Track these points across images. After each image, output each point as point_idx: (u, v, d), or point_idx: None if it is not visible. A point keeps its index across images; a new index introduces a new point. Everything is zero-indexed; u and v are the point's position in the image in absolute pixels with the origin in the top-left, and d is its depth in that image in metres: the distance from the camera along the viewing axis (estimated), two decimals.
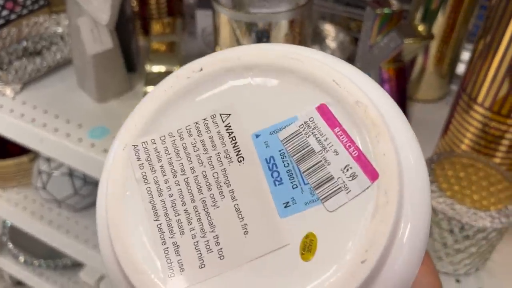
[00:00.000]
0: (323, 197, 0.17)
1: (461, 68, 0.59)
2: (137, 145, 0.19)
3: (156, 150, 0.19)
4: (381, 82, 0.51)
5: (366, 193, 0.17)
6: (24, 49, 0.64)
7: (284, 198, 0.18)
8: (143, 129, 0.20)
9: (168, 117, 0.20)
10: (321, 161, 0.18)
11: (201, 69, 0.20)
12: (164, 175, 0.19)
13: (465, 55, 0.59)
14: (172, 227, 0.18)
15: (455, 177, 0.39)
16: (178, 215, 0.18)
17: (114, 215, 0.18)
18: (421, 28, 0.52)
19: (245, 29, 0.41)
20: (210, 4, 0.44)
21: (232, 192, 0.18)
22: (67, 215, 0.78)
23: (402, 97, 0.52)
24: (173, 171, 0.19)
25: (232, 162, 0.19)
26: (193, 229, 0.18)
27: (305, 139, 0.18)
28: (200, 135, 0.19)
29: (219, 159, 0.19)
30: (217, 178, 0.19)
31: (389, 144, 0.17)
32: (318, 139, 0.18)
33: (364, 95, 0.18)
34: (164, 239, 0.18)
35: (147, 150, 0.19)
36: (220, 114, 0.19)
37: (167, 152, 0.19)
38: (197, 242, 0.18)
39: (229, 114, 0.19)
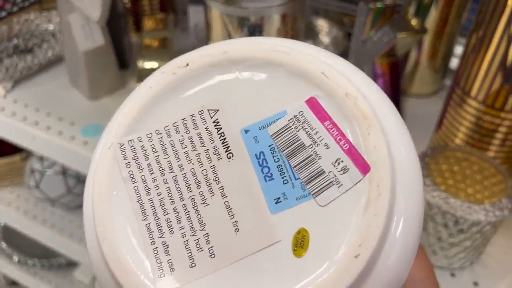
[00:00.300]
0: (314, 191, 0.17)
1: (454, 63, 0.59)
2: (123, 144, 0.19)
3: (143, 148, 0.19)
4: (375, 77, 0.51)
5: (358, 186, 0.17)
6: (15, 47, 0.63)
7: (275, 194, 0.18)
8: (129, 127, 0.19)
9: (154, 114, 0.19)
10: (311, 155, 0.18)
11: (187, 65, 0.19)
12: (152, 173, 0.19)
13: (458, 50, 0.59)
14: (161, 226, 0.18)
15: (449, 171, 0.39)
16: (167, 214, 0.18)
17: (101, 215, 0.18)
18: (414, 22, 0.51)
19: (237, 24, 0.41)
20: (202, 0, 0.43)
21: (222, 189, 0.18)
22: (61, 214, 0.78)
23: (396, 92, 0.52)
24: (161, 169, 0.19)
25: (221, 158, 0.18)
26: (183, 228, 0.18)
27: (295, 133, 0.18)
28: (188, 132, 0.19)
29: (208, 155, 0.18)
30: (206, 175, 0.18)
31: (380, 137, 0.17)
32: (308, 133, 0.18)
33: (353, 87, 0.18)
34: (153, 238, 0.18)
35: (134, 148, 0.19)
36: (208, 110, 0.19)
37: (154, 150, 0.19)
38: (187, 241, 0.18)
39: (217, 110, 0.19)
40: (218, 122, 0.19)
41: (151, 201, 0.18)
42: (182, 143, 0.19)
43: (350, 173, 0.17)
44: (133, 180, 0.19)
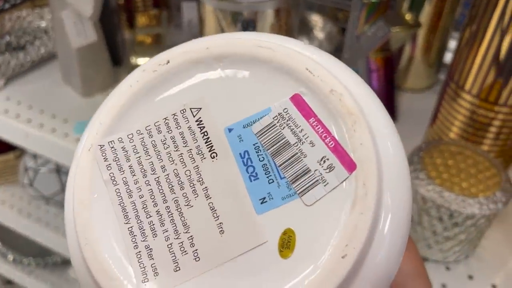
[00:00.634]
0: (300, 191, 0.17)
1: (448, 57, 0.59)
2: (103, 145, 0.18)
3: (124, 149, 0.18)
4: (369, 72, 0.51)
5: (344, 185, 0.16)
6: (7, 44, 0.63)
7: (260, 193, 0.17)
8: (109, 127, 0.18)
9: (135, 114, 0.19)
10: (297, 153, 0.17)
11: (168, 62, 0.19)
12: (134, 175, 0.18)
13: (452, 44, 0.59)
14: (144, 230, 0.17)
15: (443, 165, 0.39)
16: (150, 216, 0.17)
17: (82, 219, 0.17)
18: (408, 17, 0.51)
19: (231, 19, 0.41)
20: None
21: (206, 190, 0.17)
22: (55, 212, 0.77)
23: (390, 86, 0.52)
24: (142, 170, 0.18)
25: (204, 158, 0.18)
26: (166, 231, 0.17)
27: (280, 131, 0.18)
28: (170, 131, 0.18)
29: (191, 156, 0.18)
30: (189, 176, 0.18)
31: (366, 133, 0.16)
32: (293, 130, 0.17)
33: (339, 83, 0.17)
34: (136, 242, 0.17)
35: (114, 149, 0.18)
36: (190, 109, 0.18)
37: (135, 150, 0.18)
38: (171, 244, 0.17)
39: (200, 108, 0.18)
40: (201, 121, 0.18)
41: (133, 204, 0.18)
42: (164, 143, 0.18)
43: (336, 171, 0.17)
44: (114, 182, 0.18)
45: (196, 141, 0.18)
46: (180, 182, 0.18)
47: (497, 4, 0.37)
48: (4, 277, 0.97)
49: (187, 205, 0.17)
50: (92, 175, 0.18)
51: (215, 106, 0.18)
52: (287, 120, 0.18)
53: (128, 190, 0.18)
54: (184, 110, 0.18)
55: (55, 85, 0.59)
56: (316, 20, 0.63)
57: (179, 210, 0.17)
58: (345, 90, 0.17)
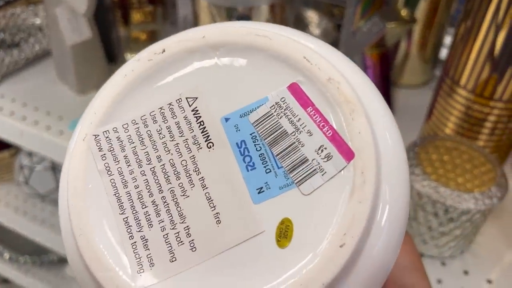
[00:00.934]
0: (297, 180, 0.17)
1: (444, 53, 0.59)
2: (98, 135, 0.18)
3: (119, 139, 0.18)
4: (365, 68, 0.50)
5: (342, 174, 0.16)
6: (1, 41, 0.63)
7: (258, 183, 0.17)
8: (104, 117, 0.18)
9: (130, 104, 0.18)
10: (294, 143, 0.17)
11: (164, 51, 0.19)
12: (129, 165, 0.18)
13: (448, 40, 0.59)
14: (139, 220, 0.17)
15: (439, 161, 0.39)
16: (146, 207, 0.17)
17: (77, 210, 0.17)
18: (403, 12, 0.51)
19: (225, 15, 0.41)
20: None
21: (203, 180, 0.17)
22: (51, 209, 0.77)
23: (386, 82, 0.52)
24: (138, 160, 0.18)
25: (201, 148, 0.18)
26: (162, 221, 0.17)
27: (277, 120, 0.17)
28: (166, 121, 0.18)
29: (187, 145, 0.18)
30: (185, 166, 0.17)
31: (364, 122, 0.16)
32: (290, 120, 0.17)
33: (336, 72, 0.17)
34: (132, 233, 0.17)
35: (109, 139, 0.18)
36: (186, 98, 0.18)
37: (130, 140, 0.18)
38: (166, 234, 0.17)
39: (196, 98, 0.18)
40: (197, 110, 0.18)
41: (129, 194, 0.17)
42: (160, 133, 0.18)
43: (334, 161, 0.16)
44: (109, 172, 0.18)
45: (192, 130, 0.18)
46: (176, 172, 0.18)
47: None
48: (1, 276, 0.97)
49: (183, 195, 0.17)
50: (86, 165, 0.18)
51: (212, 95, 0.18)
52: (285, 109, 0.17)
53: (123, 181, 0.18)
54: (180, 100, 0.18)
55: (50, 83, 0.58)
56: (312, 16, 0.63)
57: (175, 200, 0.17)
58: (343, 78, 0.17)
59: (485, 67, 0.39)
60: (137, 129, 0.18)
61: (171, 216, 0.17)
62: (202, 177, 0.17)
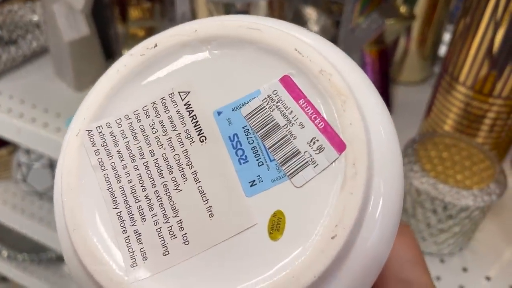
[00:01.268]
0: (290, 173, 0.17)
1: (443, 51, 0.59)
2: (91, 130, 0.18)
3: (112, 134, 0.18)
4: (364, 65, 0.50)
5: (334, 165, 0.16)
6: None
7: (250, 176, 0.17)
8: (97, 112, 0.18)
9: (123, 98, 0.18)
10: (286, 135, 0.17)
11: (156, 45, 0.19)
12: (122, 160, 0.18)
13: (447, 37, 0.58)
14: (132, 215, 0.17)
15: (438, 158, 0.39)
16: (139, 201, 0.17)
17: (70, 205, 0.17)
18: (402, 9, 0.51)
19: (223, 11, 0.40)
20: None
21: (195, 173, 0.17)
22: (49, 207, 0.77)
23: (385, 79, 0.52)
24: (131, 155, 0.18)
25: (193, 142, 0.18)
26: (155, 215, 0.17)
27: (269, 113, 0.17)
28: (158, 116, 0.18)
29: (179, 140, 0.18)
30: (178, 160, 0.18)
31: (356, 113, 0.16)
32: (282, 112, 0.17)
33: (328, 64, 0.17)
34: (125, 227, 0.17)
35: (102, 134, 0.18)
36: (178, 92, 0.18)
37: (124, 135, 0.18)
38: (159, 228, 0.17)
39: (188, 92, 0.18)
40: (189, 104, 0.18)
41: (122, 189, 0.18)
42: (153, 128, 0.18)
43: (326, 152, 0.16)
44: (102, 167, 0.18)
45: (185, 125, 0.18)
46: (169, 166, 0.18)
47: None
48: None
49: (176, 189, 0.17)
50: (80, 160, 0.18)
51: (204, 89, 0.18)
52: (277, 102, 0.17)
53: (117, 175, 0.18)
54: (172, 94, 0.18)
55: (47, 79, 0.58)
56: (310, 13, 0.63)
57: (168, 194, 0.17)
58: (335, 70, 0.17)
59: (484, 64, 0.39)
60: (130, 124, 0.18)
61: (164, 210, 0.17)
62: (194, 171, 0.17)
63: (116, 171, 0.18)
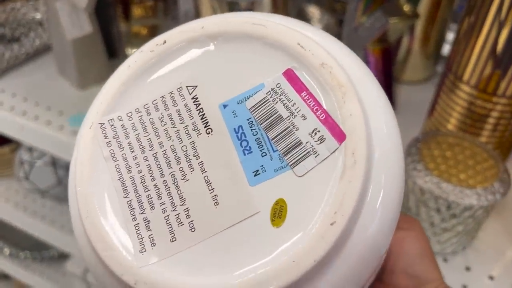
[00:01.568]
0: (292, 162, 0.17)
1: (446, 50, 0.59)
2: (103, 123, 0.19)
3: (123, 127, 0.19)
4: (367, 63, 0.50)
5: (334, 155, 0.17)
6: (2, 36, 0.62)
7: (254, 166, 0.18)
8: (109, 106, 0.19)
9: (134, 93, 0.19)
10: (289, 127, 0.18)
11: (165, 42, 0.20)
12: (133, 151, 0.19)
13: (451, 36, 0.58)
14: (142, 203, 0.18)
15: (441, 157, 0.39)
16: (148, 190, 0.18)
17: (84, 194, 0.18)
18: (406, 7, 0.51)
19: (227, 9, 0.40)
20: None
21: (202, 164, 0.18)
22: (51, 205, 0.77)
23: (388, 78, 0.52)
24: (141, 147, 0.19)
25: (200, 134, 0.19)
26: (163, 204, 0.18)
27: (273, 106, 0.18)
28: (167, 109, 0.19)
29: (187, 132, 0.19)
30: (186, 151, 0.18)
31: (356, 104, 0.17)
32: (285, 105, 0.18)
33: (329, 57, 0.18)
34: (135, 215, 0.18)
35: (114, 127, 0.19)
36: (186, 87, 0.19)
37: (134, 128, 0.19)
38: (167, 216, 0.18)
39: (196, 86, 0.19)
40: (197, 98, 0.19)
41: (132, 179, 0.18)
42: (162, 121, 0.19)
43: (327, 143, 0.17)
44: (114, 158, 0.19)
45: (192, 117, 0.19)
46: (177, 157, 0.18)
47: None
48: (1, 271, 0.97)
49: (183, 178, 0.18)
50: (92, 152, 0.19)
51: (210, 83, 0.19)
52: (280, 95, 0.18)
53: (127, 166, 0.19)
54: (180, 88, 0.19)
55: (50, 77, 0.58)
56: (314, 11, 0.63)
57: (175, 183, 0.18)
58: (336, 63, 0.18)
59: (488, 63, 0.39)
60: (140, 117, 0.19)
61: (172, 198, 0.18)
62: (201, 162, 0.18)
63: (126, 162, 0.19)
